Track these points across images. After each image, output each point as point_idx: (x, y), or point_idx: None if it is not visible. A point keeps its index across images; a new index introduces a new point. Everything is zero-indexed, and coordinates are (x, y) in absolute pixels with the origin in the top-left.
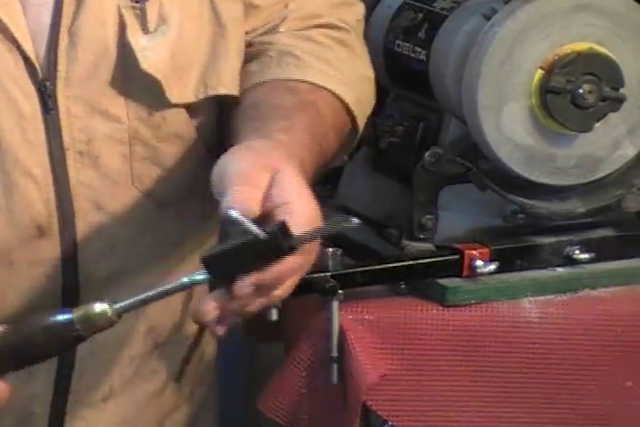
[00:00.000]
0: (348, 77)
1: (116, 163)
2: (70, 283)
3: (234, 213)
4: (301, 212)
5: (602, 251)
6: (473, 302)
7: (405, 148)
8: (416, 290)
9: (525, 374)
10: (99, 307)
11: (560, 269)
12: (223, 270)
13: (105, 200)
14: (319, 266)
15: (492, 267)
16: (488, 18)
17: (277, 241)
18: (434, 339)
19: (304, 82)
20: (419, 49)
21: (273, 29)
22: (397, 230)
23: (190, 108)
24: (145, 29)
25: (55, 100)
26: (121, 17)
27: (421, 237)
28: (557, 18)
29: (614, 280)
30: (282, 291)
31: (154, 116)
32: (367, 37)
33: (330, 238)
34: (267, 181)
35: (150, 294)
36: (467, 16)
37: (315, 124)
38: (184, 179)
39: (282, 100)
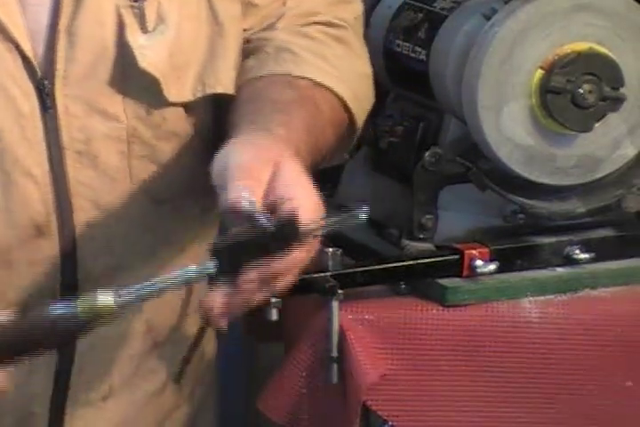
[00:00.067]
0: (345, 74)
1: (113, 160)
2: (69, 281)
3: (244, 205)
4: (306, 206)
5: (602, 251)
6: (473, 302)
7: (405, 148)
8: (416, 290)
9: (525, 374)
10: (103, 293)
11: (560, 269)
12: (230, 262)
13: (103, 198)
14: (319, 266)
15: (492, 267)
16: (488, 18)
17: (286, 234)
18: (434, 339)
19: (303, 78)
20: (419, 49)
21: (270, 26)
22: (397, 230)
23: (188, 107)
24: (143, 29)
25: (54, 99)
26: (119, 17)
27: (421, 236)
28: (557, 18)
29: (614, 280)
30: (283, 284)
31: (152, 115)
32: (367, 37)
33: (330, 238)
34: (268, 174)
35: (155, 281)
36: (467, 16)
37: (313, 119)
38: (181, 176)
39: (280, 94)
